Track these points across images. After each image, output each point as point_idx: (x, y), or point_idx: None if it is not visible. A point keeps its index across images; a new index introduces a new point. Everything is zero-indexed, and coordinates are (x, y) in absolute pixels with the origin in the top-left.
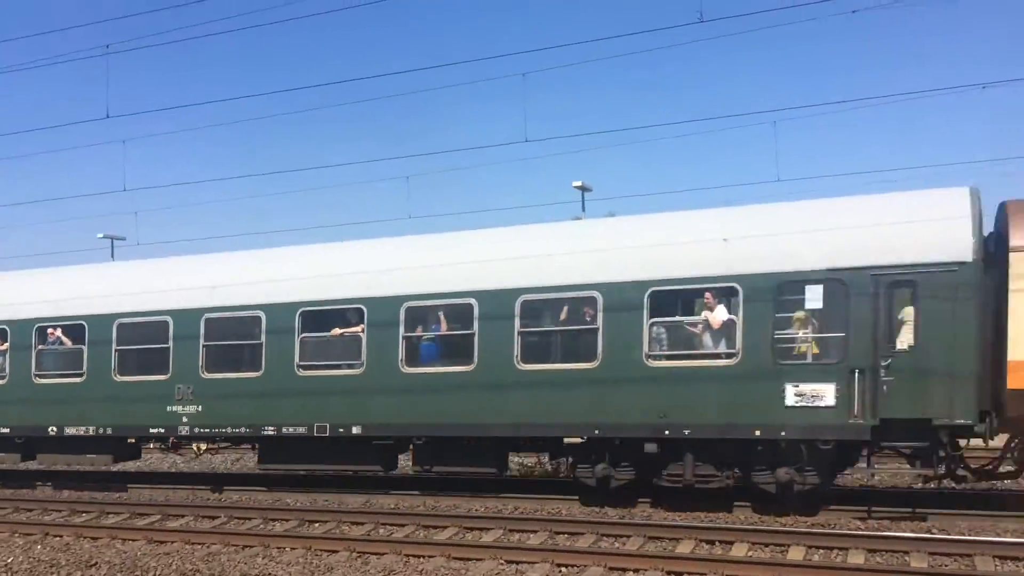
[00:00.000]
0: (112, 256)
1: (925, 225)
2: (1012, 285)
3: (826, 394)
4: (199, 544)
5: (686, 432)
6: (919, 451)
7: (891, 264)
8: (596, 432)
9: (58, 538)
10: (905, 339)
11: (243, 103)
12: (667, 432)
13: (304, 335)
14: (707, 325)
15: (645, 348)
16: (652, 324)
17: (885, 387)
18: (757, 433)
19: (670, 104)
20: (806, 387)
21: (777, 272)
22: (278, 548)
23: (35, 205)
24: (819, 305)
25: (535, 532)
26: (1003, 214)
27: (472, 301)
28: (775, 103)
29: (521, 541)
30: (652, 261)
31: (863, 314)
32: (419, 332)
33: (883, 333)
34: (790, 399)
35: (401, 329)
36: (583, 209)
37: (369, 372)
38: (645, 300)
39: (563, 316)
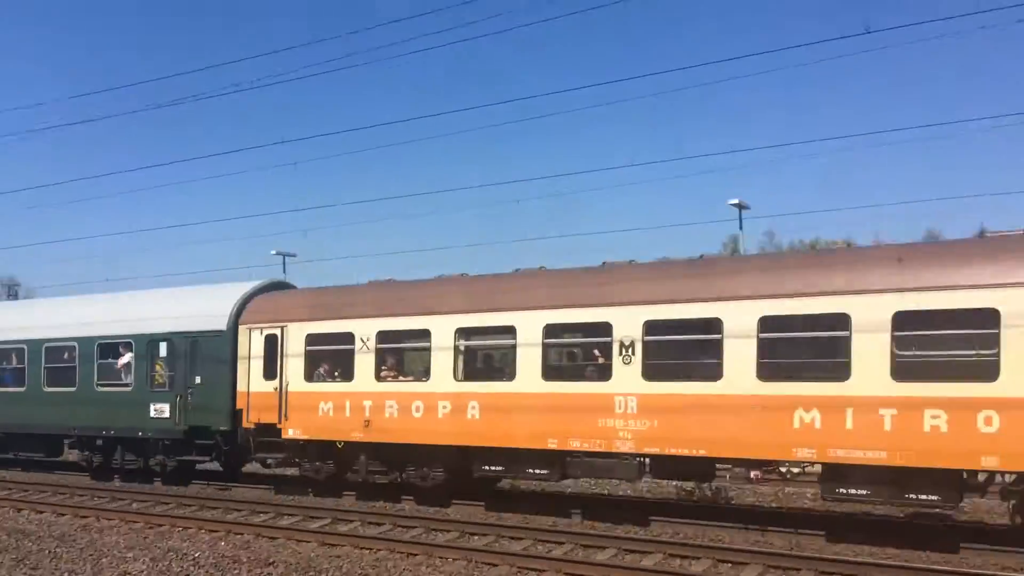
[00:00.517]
0: (284, 271)
1: (209, 310)
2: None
3: (166, 409)
4: (367, 549)
5: (114, 432)
6: (207, 448)
7: (194, 330)
8: (75, 431)
9: (239, 536)
10: (198, 377)
11: (407, 124)
12: (107, 432)
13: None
14: (123, 366)
15: (96, 378)
16: (99, 364)
17: (190, 406)
18: (140, 433)
19: (828, 120)
20: (159, 405)
21: (147, 333)
22: (441, 558)
23: (217, 224)
24: (165, 354)
25: (697, 559)
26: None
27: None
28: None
29: (683, 567)
30: (100, 326)
31: (181, 361)
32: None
33: (189, 373)
34: (152, 412)
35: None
36: (740, 228)
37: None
38: (96, 349)
39: (66, 356)
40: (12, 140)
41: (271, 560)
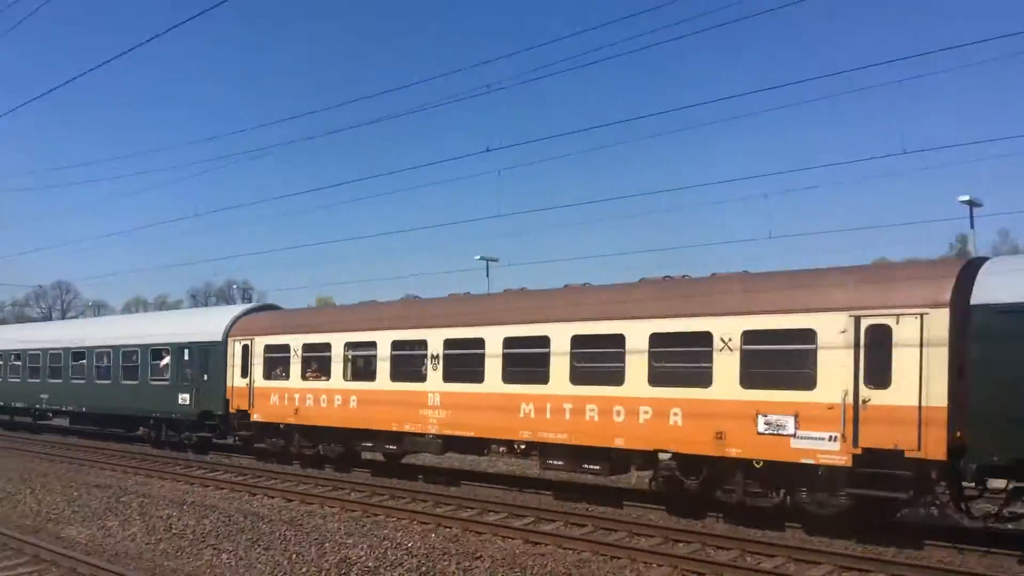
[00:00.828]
0: (487, 275)
1: (213, 326)
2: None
3: (188, 398)
4: (571, 549)
5: (159, 414)
6: (213, 427)
7: (204, 340)
8: (137, 413)
9: (448, 529)
10: (206, 375)
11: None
12: (155, 414)
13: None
14: (164, 366)
15: (149, 374)
16: (151, 364)
17: (202, 396)
18: (173, 415)
19: None
20: (184, 395)
21: (177, 343)
22: (644, 563)
23: (427, 231)
24: (187, 358)
25: None
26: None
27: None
28: None
29: None
30: (152, 337)
31: (197, 363)
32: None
33: (200, 372)
34: (180, 400)
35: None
36: (971, 226)
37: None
38: (148, 353)
39: (133, 358)
40: (243, 158)
41: (478, 554)
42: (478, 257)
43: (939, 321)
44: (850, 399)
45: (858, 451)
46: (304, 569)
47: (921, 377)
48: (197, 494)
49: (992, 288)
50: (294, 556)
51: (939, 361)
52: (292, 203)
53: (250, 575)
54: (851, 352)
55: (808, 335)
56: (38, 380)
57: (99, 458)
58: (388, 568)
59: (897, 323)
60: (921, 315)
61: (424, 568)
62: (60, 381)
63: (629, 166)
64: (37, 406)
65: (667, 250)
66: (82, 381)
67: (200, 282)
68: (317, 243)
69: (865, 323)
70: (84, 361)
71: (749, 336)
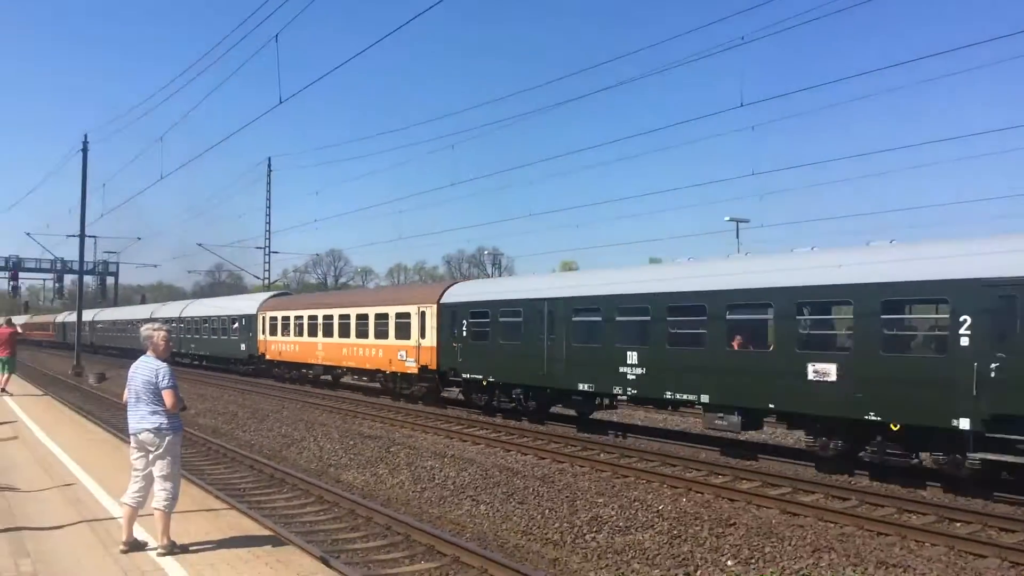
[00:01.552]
0: (737, 237)
1: (247, 306)
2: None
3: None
4: (832, 523)
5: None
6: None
7: (245, 314)
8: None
9: (699, 495)
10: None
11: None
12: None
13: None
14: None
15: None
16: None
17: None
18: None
19: None
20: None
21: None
22: (916, 541)
23: (674, 193)
24: (237, 325)
25: None
26: None
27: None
28: None
29: None
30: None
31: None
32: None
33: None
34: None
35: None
36: None
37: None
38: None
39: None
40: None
41: (732, 521)
42: (727, 218)
43: None
44: None
45: None
46: (557, 524)
47: None
48: (456, 448)
49: None
50: (547, 511)
51: None
52: (538, 170)
53: (506, 526)
54: None
55: None
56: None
57: (369, 411)
58: (639, 529)
59: None
60: None
61: (676, 531)
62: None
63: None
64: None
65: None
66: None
67: (454, 249)
68: (561, 209)
69: None
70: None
71: None
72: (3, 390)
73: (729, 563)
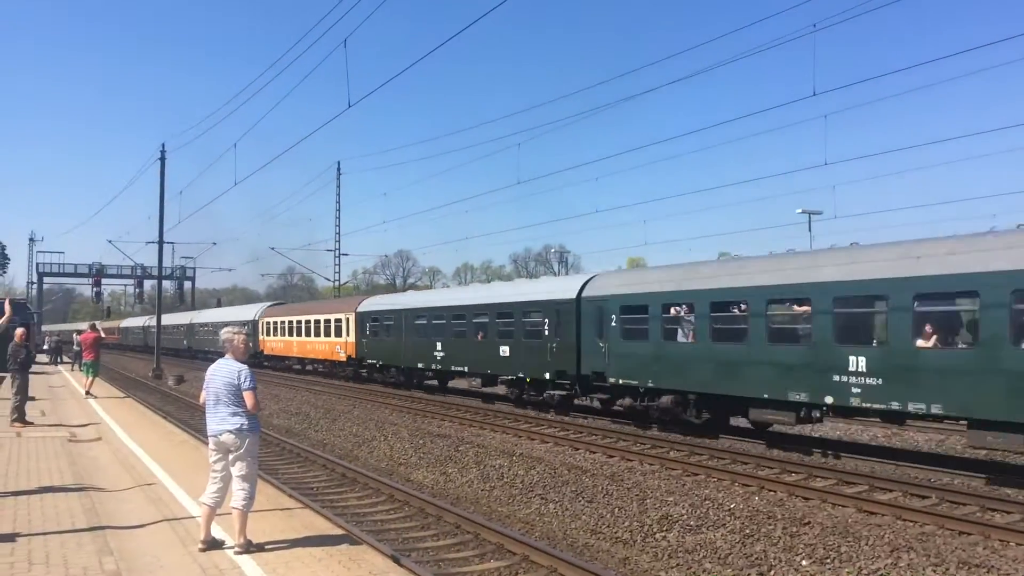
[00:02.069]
0: (809, 229)
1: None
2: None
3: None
4: (911, 522)
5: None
6: None
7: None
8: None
9: (772, 493)
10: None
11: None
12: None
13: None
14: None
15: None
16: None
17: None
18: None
19: None
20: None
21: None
22: (1001, 541)
23: (743, 185)
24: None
25: None
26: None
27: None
28: None
29: None
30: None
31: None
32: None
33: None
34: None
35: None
36: None
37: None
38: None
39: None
40: (557, 126)
41: (806, 520)
42: (799, 210)
43: None
44: None
45: None
46: (627, 523)
47: None
48: (524, 446)
49: None
50: (616, 510)
51: None
52: (605, 166)
53: (576, 525)
54: None
55: None
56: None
57: (439, 410)
58: (711, 528)
59: None
60: None
61: (748, 530)
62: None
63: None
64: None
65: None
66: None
67: (520, 247)
68: (627, 204)
69: None
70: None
71: None
72: (88, 392)
73: (804, 563)
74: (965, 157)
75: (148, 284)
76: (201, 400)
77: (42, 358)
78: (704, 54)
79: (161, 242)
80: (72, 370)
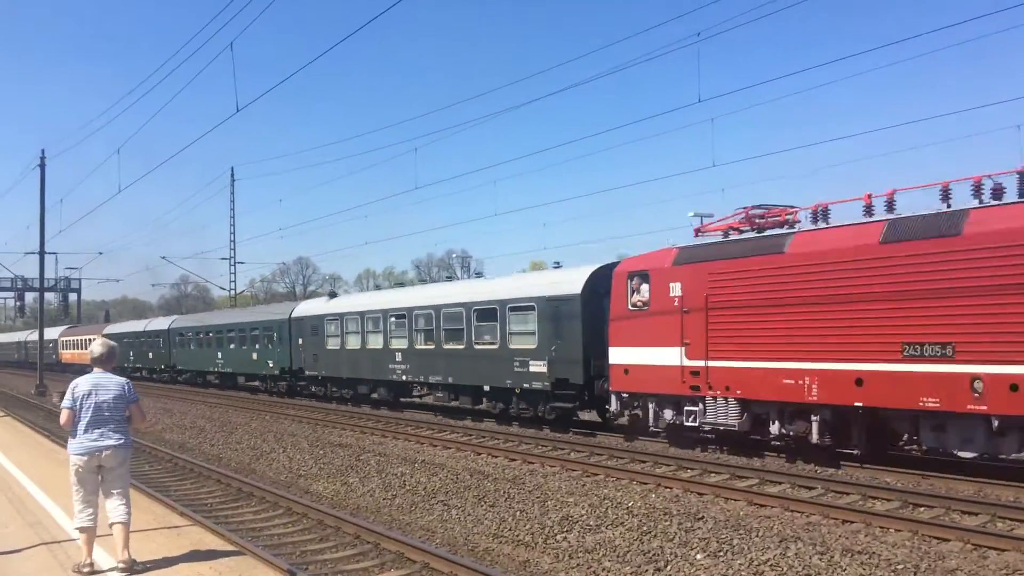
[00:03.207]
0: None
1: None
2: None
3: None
4: (799, 512)
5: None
6: None
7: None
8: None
9: (668, 489)
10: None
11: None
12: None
13: None
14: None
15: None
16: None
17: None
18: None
19: None
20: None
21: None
22: (881, 527)
23: (634, 188)
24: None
25: None
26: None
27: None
28: None
29: None
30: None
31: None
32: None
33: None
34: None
35: None
36: None
37: None
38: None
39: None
40: (453, 131)
41: (700, 515)
42: (691, 213)
43: None
44: None
45: None
46: (528, 525)
47: None
48: (427, 453)
49: None
50: (518, 513)
51: None
52: (504, 170)
53: (478, 530)
54: None
55: None
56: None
57: (339, 419)
58: (609, 527)
59: None
60: None
61: (646, 527)
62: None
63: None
64: None
65: None
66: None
67: (423, 252)
68: (527, 207)
69: None
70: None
71: None
72: None
73: (698, 557)
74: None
75: (30, 297)
76: (65, 420)
77: None
78: (599, 60)
79: (43, 252)
80: None
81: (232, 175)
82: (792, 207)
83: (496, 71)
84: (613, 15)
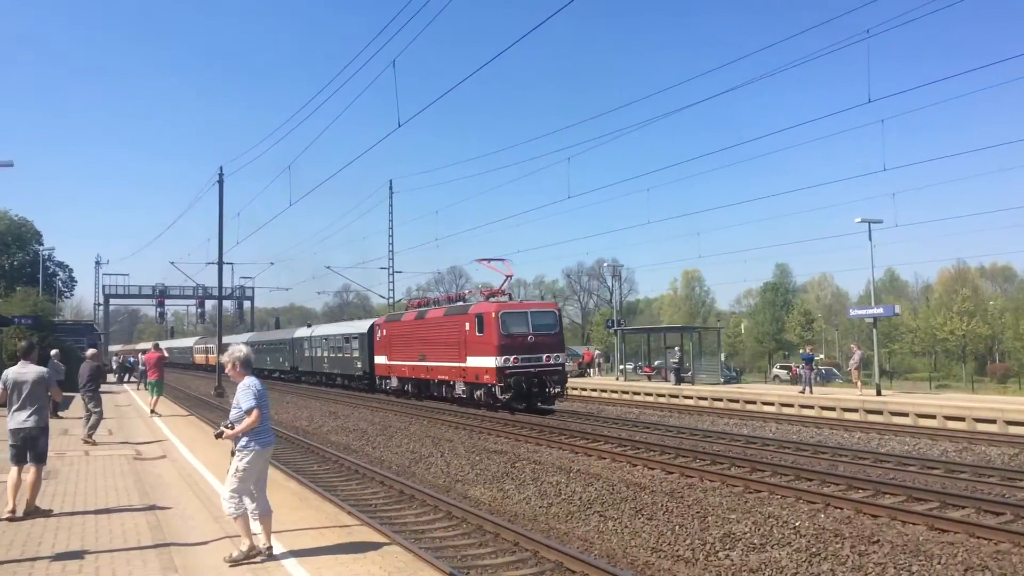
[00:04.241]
0: (869, 239)
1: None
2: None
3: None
4: (985, 539)
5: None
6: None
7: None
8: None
9: (839, 510)
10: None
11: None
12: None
13: None
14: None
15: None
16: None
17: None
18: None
19: None
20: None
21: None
22: None
23: (796, 194)
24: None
25: None
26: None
27: None
28: None
29: None
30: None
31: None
32: None
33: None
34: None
35: None
36: None
37: None
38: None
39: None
40: (606, 139)
41: (875, 538)
42: (858, 219)
43: None
44: None
45: None
46: (688, 541)
47: None
48: (581, 463)
49: None
50: (677, 527)
51: None
52: (657, 177)
53: (635, 543)
54: None
55: None
56: None
57: (493, 426)
58: (775, 546)
59: None
60: None
61: (815, 549)
62: None
63: None
64: None
65: None
66: None
67: (573, 261)
68: (679, 215)
69: None
70: None
71: None
72: (153, 411)
73: None
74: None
75: (209, 304)
76: (256, 417)
77: (110, 377)
78: (757, 62)
79: (221, 263)
80: (138, 389)
81: (391, 188)
82: (427, 298)
83: (648, 79)
84: (770, 16)
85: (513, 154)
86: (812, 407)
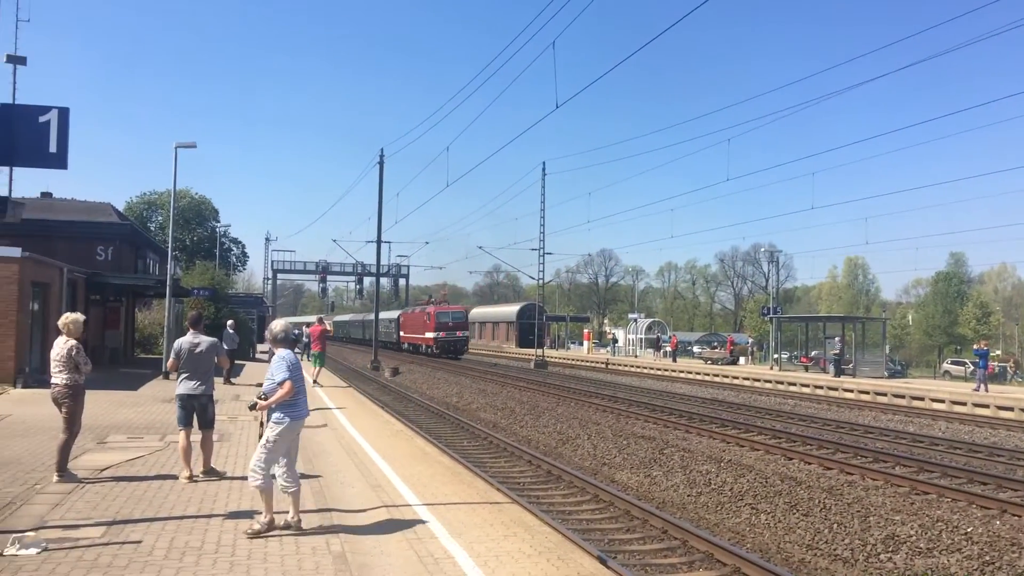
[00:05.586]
0: None
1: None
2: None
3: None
4: None
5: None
6: None
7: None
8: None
9: (1017, 517)
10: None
11: None
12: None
13: None
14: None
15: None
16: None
17: None
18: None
19: None
20: None
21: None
22: None
23: (971, 181)
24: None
25: None
26: None
27: None
28: None
29: None
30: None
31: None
32: None
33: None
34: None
35: None
36: None
37: None
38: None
39: None
40: (767, 120)
41: None
42: None
43: None
44: None
45: None
46: (847, 540)
47: None
48: (733, 453)
49: None
50: (835, 525)
51: None
52: (823, 160)
53: (790, 538)
54: None
55: None
56: None
57: (641, 411)
58: (943, 552)
59: None
60: None
61: (988, 557)
62: None
63: None
64: None
65: None
66: None
67: (727, 246)
68: (846, 201)
69: None
70: None
71: None
72: (315, 381)
73: None
74: None
75: (367, 281)
76: (289, 388)
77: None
78: (928, 40)
79: (379, 241)
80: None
81: (544, 170)
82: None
83: (813, 56)
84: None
85: (670, 135)
86: (987, 406)
